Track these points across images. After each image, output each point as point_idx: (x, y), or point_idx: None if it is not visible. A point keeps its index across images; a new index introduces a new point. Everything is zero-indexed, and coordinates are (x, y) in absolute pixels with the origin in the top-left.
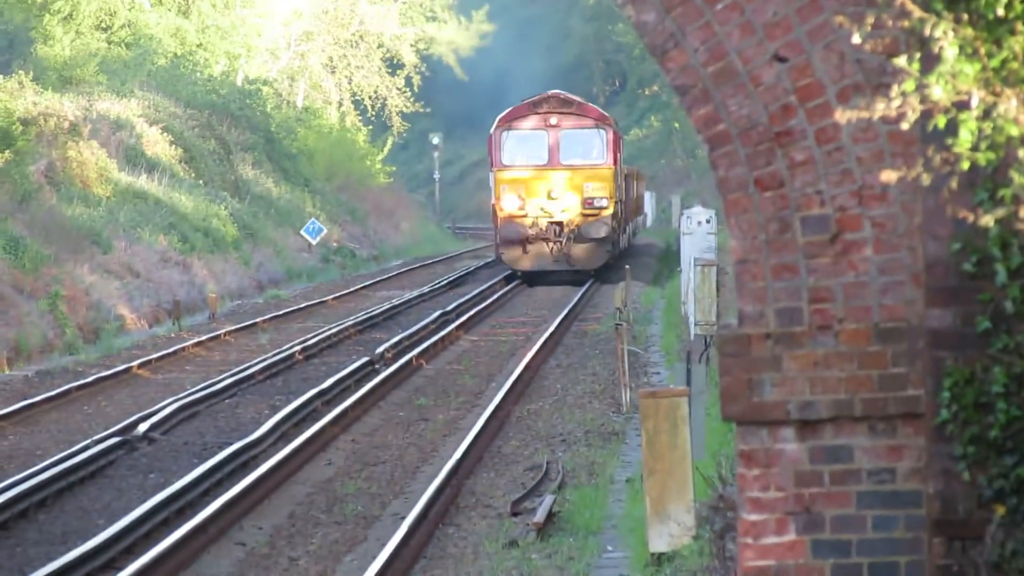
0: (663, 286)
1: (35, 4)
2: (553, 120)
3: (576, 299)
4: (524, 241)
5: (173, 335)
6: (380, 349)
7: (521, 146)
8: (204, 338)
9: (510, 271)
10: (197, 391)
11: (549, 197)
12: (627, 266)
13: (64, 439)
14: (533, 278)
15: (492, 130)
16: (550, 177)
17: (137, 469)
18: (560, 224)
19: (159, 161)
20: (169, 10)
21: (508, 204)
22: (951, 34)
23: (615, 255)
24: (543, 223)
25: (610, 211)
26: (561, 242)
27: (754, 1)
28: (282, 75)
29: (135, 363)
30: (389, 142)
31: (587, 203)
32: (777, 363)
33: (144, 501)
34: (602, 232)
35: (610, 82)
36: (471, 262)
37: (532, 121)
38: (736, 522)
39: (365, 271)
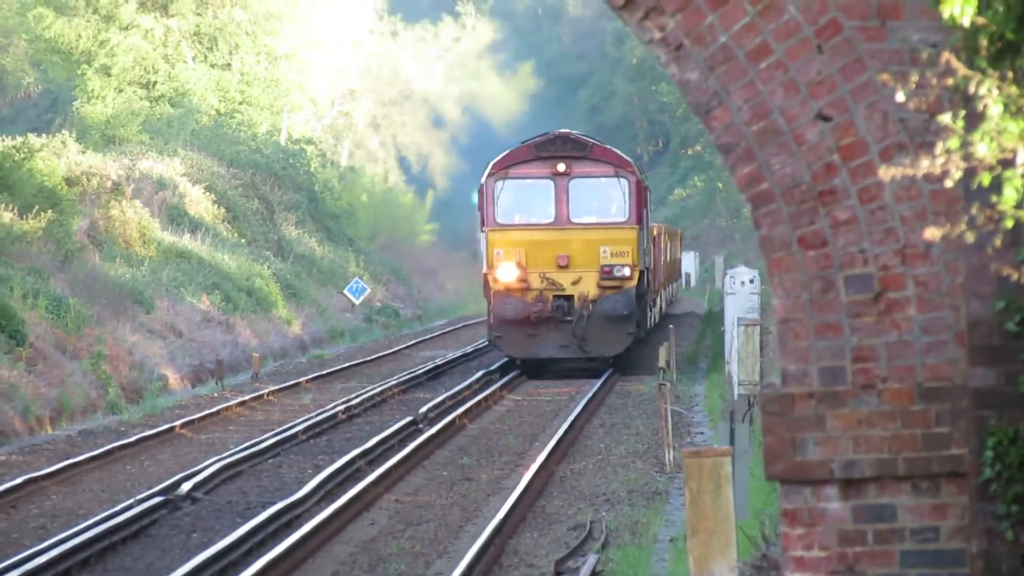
0: (696, 377)
1: (76, 60)
2: (561, 167)
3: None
4: (524, 321)
5: (216, 395)
6: (423, 409)
7: (521, 199)
8: (247, 398)
9: (506, 359)
10: (240, 451)
11: (556, 265)
12: (671, 325)
13: (107, 498)
14: (536, 367)
15: (484, 179)
16: (557, 239)
17: (180, 529)
18: (570, 299)
19: (202, 220)
20: (213, 65)
21: (504, 274)
22: (996, 92)
23: (641, 337)
24: (548, 298)
25: (634, 282)
26: (571, 322)
27: (798, 60)
28: (326, 133)
29: (178, 423)
30: (430, 196)
31: (605, 272)
32: (820, 422)
33: (187, 561)
34: (623, 309)
35: (654, 142)
36: None
37: (535, 168)
38: None
39: (409, 331)
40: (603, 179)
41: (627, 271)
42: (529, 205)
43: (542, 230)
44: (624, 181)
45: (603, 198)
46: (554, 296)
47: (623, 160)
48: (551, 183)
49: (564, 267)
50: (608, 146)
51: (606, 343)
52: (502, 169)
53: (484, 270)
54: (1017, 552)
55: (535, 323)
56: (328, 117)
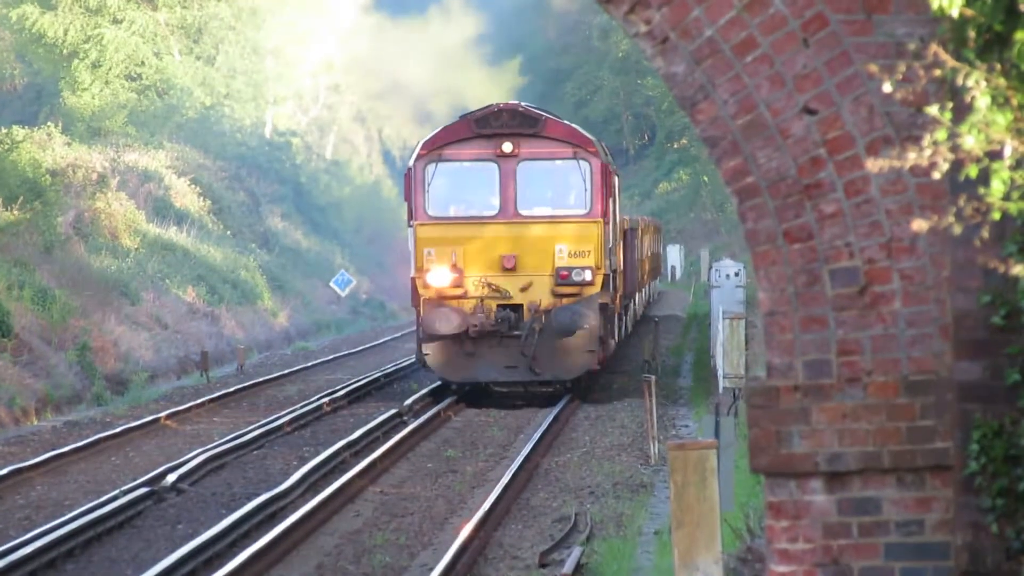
0: (681, 370)
1: (63, 54)
2: (507, 146)
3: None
4: (461, 337)
5: (201, 386)
6: (408, 401)
7: (457, 187)
8: (232, 389)
9: (440, 382)
10: (225, 442)
11: (501, 268)
12: (656, 320)
13: (92, 489)
14: (476, 392)
15: (411, 161)
16: (502, 236)
17: (165, 520)
18: (518, 310)
19: (188, 212)
20: (198, 58)
21: (436, 278)
22: (983, 84)
23: (606, 356)
24: (491, 308)
25: (596, 288)
26: (519, 338)
27: (784, 53)
28: (311, 127)
29: (163, 414)
30: None
31: (561, 276)
32: (806, 415)
33: (172, 552)
34: (584, 322)
35: (639, 135)
36: None
37: (475, 147)
38: (764, 574)
39: (394, 323)
40: (559, 162)
41: (588, 275)
42: (467, 194)
43: (483, 224)
44: (585, 164)
45: (559, 185)
46: (498, 306)
47: (583, 138)
48: (495, 166)
49: (510, 270)
50: (565, 121)
51: (562, 364)
52: (435, 149)
53: (412, 273)
54: (1002, 545)
55: (474, 339)
56: (313, 110)
